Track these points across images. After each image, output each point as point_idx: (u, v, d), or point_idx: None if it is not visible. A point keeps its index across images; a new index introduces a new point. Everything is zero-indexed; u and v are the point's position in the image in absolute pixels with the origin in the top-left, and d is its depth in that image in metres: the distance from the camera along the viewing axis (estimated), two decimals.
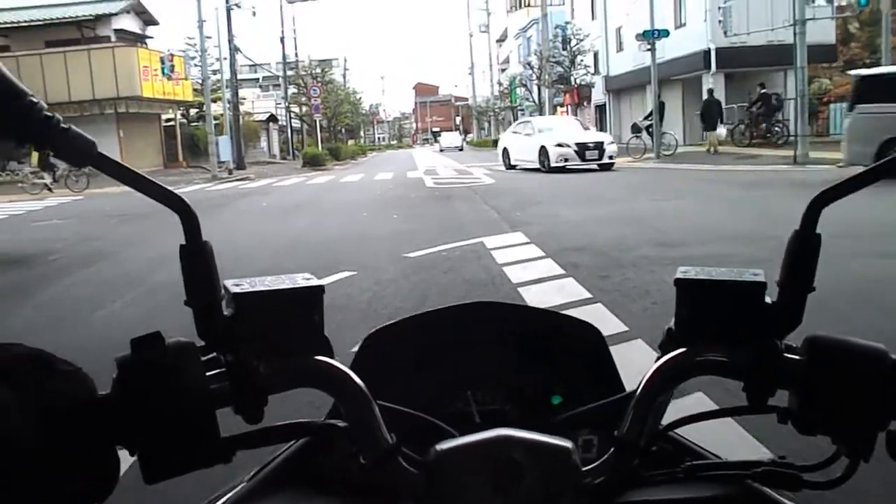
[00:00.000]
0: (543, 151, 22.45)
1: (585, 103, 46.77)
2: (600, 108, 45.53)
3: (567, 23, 45.10)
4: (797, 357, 0.59)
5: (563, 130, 23.37)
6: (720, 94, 29.48)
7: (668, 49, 30.63)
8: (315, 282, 0.63)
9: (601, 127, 44.79)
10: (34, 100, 0.53)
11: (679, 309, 0.62)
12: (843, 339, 0.57)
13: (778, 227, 7.53)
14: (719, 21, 23.56)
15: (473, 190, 17.59)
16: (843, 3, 22.32)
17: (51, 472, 0.51)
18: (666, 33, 26.15)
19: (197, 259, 0.59)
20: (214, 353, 0.59)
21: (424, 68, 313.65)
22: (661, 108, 25.71)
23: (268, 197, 19.17)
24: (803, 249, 0.59)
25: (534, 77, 43.38)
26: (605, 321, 5.08)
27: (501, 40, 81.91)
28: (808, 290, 0.60)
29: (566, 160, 21.79)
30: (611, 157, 21.88)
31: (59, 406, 0.51)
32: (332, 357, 0.62)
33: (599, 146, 21.92)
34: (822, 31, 26.60)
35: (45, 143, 0.54)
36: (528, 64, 46.03)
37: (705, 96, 26.15)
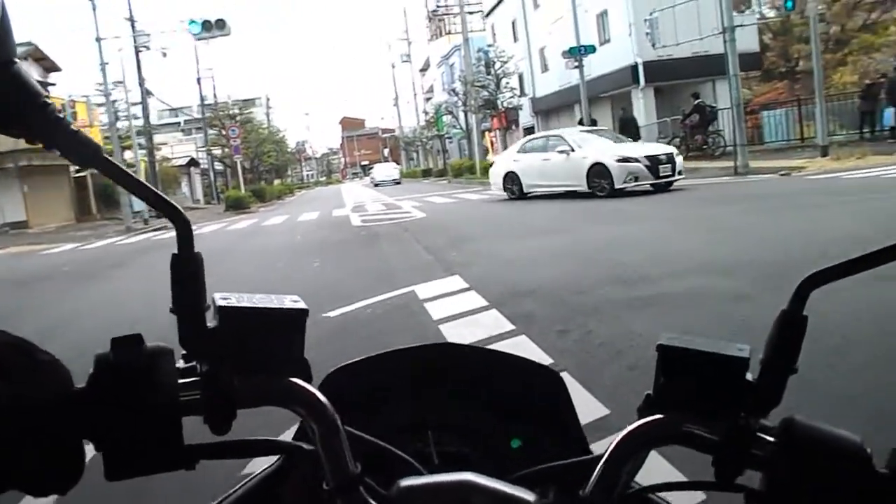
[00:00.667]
0: (598, 171, 17.48)
1: (513, 127, 46.25)
2: (528, 131, 44.88)
3: (489, 46, 44.49)
4: (770, 439, 0.58)
5: (607, 144, 18.76)
6: (650, 109, 29.00)
7: (595, 66, 30.10)
8: (301, 305, 0.64)
9: None
10: (48, 101, 0.55)
11: (659, 375, 0.62)
12: (819, 427, 0.56)
13: (749, 249, 5.90)
14: (646, 33, 22.98)
15: (403, 227, 16.21)
16: (765, 12, 22.20)
17: (18, 458, 0.53)
18: (592, 49, 25.48)
19: (187, 268, 0.60)
20: (192, 363, 0.61)
21: (350, 102, 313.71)
22: (593, 125, 24.95)
23: None
24: (789, 330, 0.59)
25: (460, 103, 42.56)
26: (575, 400, 3.76)
27: (425, 69, 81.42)
28: (791, 372, 0.59)
29: (636, 178, 17.05)
30: (681, 172, 17.57)
31: (33, 395, 0.53)
32: (309, 379, 0.63)
33: (671, 158, 17.43)
34: (747, 40, 26.28)
35: (54, 142, 0.56)
36: (453, 90, 45.22)
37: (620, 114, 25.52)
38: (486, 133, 44.44)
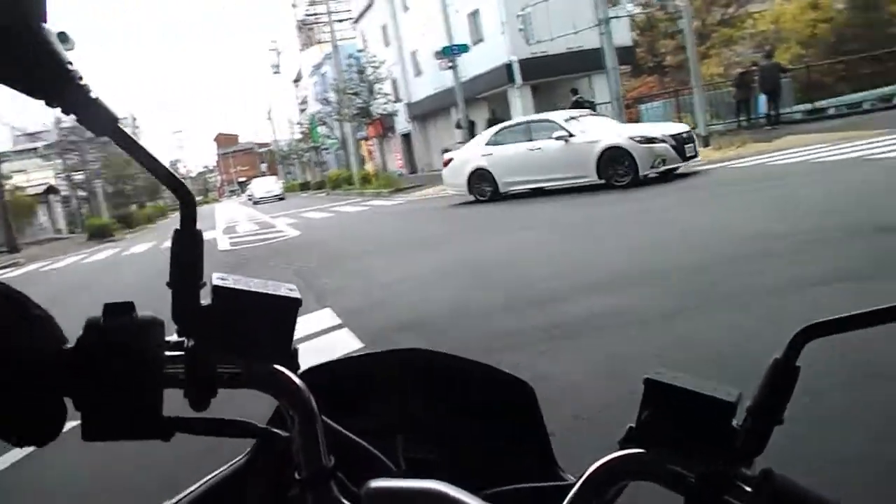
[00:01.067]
0: (613, 156, 14.49)
1: (390, 134, 45.15)
2: (406, 137, 43.91)
3: (360, 51, 43.19)
4: (747, 489, 0.56)
5: (614, 125, 16.34)
6: (528, 107, 28.46)
7: (470, 67, 29.31)
8: (296, 294, 0.64)
9: (410, 156, 43.33)
10: (72, 67, 0.56)
11: (642, 409, 0.60)
12: (798, 484, 0.55)
13: (654, 257, 4.53)
14: (520, 29, 22.28)
15: (275, 249, 14.77)
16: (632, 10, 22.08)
17: (1, 408, 0.55)
18: (465, 48, 24.59)
19: (188, 244, 0.61)
20: (181, 337, 0.61)
21: (226, 118, 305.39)
22: (471, 127, 24.09)
23: (26, 289, 15.41)
24: (780, 380, 0.56)
25: (333, 113, 41.12)
26: None
27: (298, 80, 79.34)
28: (777, 423, 0.57)
29: (664, 162, 14.17)
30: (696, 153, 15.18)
31: (22, 348, 0.55)
32: (296, 368, 0.64)
33: (691, 136, 15.04)
34: (621, 35, 26.06)
35: (74, 108, 0.57)
36: (326, 100, 43.67)
37: (487, 115, 24.83)
38: (363, 142, 43.15)
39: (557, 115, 16.62)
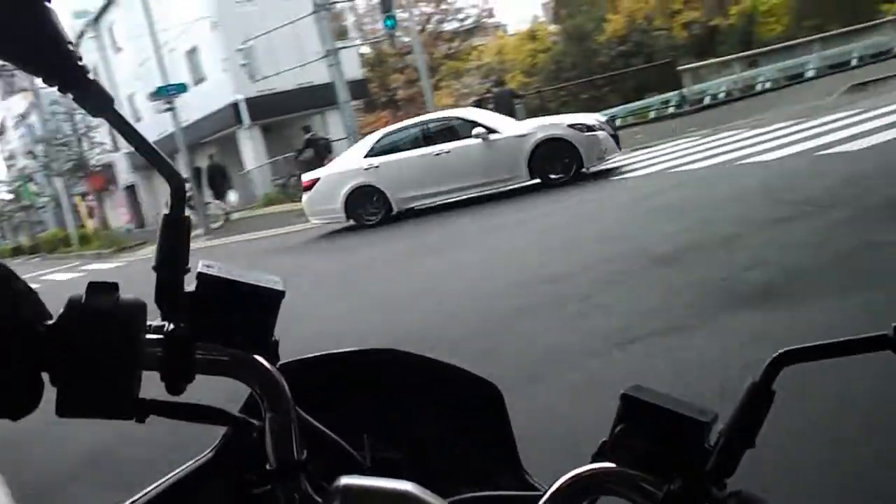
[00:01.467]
0: (549, 151, 12.49)
1: (112, 187, 41.20)
2: (131, 189, 40.23)
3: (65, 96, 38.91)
4: None
5: (536, 118, 14.78)
6: (260, 149, 26.77)
7: (193, 110, 26.92)
8: (279, 287, 0.64)
9: (138, 209, 39.95)
10: (72, 47, 0.57)
11: (616, 424, 0.60)
12: None
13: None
14: (242, 64, 20.49)
15: None
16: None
17: None
18: (183, 87, 22.19)
19: (175, 229, 0.62)
20: (162, 321, 0.62)
21: None
22: (196, 174, 21.87)
23: None
24: (755, 403, 0.57)
25: (42, 167, 36.60)
26: None
27: (1, 133, 71.20)
28: (749, 446, 0.57)
29: (605, 152, 12.65)
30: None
31: (2, 321, 0.55)
32: (275, 359, 0.65)
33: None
34: (352, 67, 25.21)
35: (72, 87, 0.58)
36: (31, 153, 38.85)
37: (207, 162, 22.99)
38: (80, 198, 38.85)
39: (466, 112, 14.46)
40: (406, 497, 0.57)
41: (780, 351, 0.56)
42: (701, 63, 26.49)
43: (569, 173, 12.37)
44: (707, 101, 23.09)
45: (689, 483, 0.56)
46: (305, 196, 14.21)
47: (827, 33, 25.55)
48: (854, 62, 23.17)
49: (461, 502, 0.71)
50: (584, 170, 12.47)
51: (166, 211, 0.61)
